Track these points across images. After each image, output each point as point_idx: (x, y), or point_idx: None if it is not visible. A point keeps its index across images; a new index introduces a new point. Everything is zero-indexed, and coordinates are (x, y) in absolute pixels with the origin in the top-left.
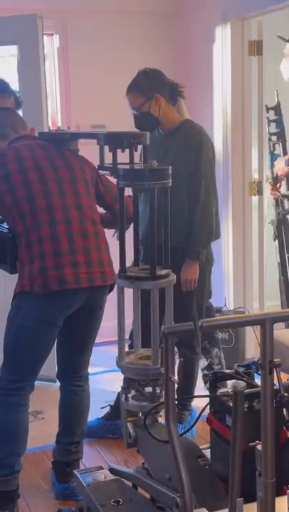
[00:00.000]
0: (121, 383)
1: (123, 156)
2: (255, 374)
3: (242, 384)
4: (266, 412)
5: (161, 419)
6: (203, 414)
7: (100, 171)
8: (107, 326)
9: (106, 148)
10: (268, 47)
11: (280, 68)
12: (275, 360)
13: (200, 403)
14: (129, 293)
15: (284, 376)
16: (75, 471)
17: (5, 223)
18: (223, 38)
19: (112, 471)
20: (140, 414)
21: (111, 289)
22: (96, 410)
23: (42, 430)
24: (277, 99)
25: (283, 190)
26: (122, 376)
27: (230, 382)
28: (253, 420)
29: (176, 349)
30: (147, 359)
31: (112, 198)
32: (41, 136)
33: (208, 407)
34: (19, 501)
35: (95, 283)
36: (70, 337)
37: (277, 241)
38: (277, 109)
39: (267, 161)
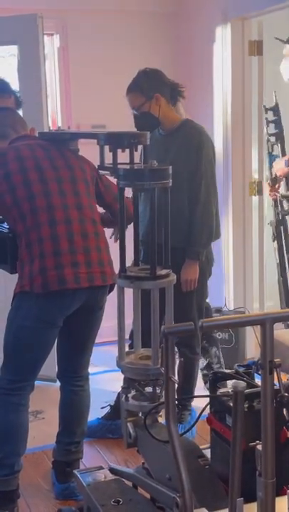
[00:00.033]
0: (121, 383)
1: (123, 156)
2: (255, 374)
3: (242, 384)
4: (266, 412)
5: (162, 419)
6: (203, 414)
7: (100, 171)
8: (107, 326)
9: (106, 148)
10: (268, 47)
11: (280, 69)
12: (275, 360)
13: (200, 403)
14: (129, 293)
15: (284, 376)
16: (75, 471)
17: (5, 223)
18: (223, 38)
19: (112, 471)
20: (140, 414)
21: (111, 289)
22: (96, 410)
23: (42, 430)
24: (275, 100)
25: (283, 190)
26: (122, 376)
27: (230, 382)
28: (253, 420)
29: (176, 349)
30: (147, 359)
31: (113, 198)
32: (41, 136)
33: (209, 407)
34: (19, 501)
35: (95, 283)
36: (70, 337)
37: (276, 242)
38: (275, 109)
39: (266, 162)
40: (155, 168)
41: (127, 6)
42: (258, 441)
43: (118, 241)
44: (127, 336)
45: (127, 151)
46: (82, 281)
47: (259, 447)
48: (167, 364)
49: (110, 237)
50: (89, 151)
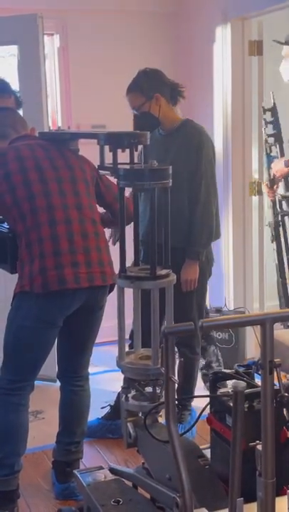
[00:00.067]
0: (121, 383)
1: (123, 156)
2: (255, 374)
3: (242, 384)
4: (266, 412)
5: (162, 419)
6: (203, 414)
7: (100, 171)
8: (107, 326)
9: (106, 148)
10: (268, 47)
11: (280, 70)
12: (275, 360)
13: (200, 403)
14: (129, 293)
15: (284, 376)
16: (75, 471)
17: (5, 223)
18: (223, 38)
19: (112, 471)
20: (140, 414)
21: (111, 289)
22: (96, 410)
23: (42, 430)
24: (273, 100)
25: (282, 191)
26: (122, 376)
27: (230, 382)
28: (253, 420)
29: (176, 349)
30: (147, 359)
31: (113, 198)
32: (42, 136)
33: (209, 407)
34: (19, 501)
35: (95, 283)
36: (71, 337)
37: (275, 243)
38: (273, 110)
39: (264, 163)
40: (155, 168)
41: (127, 6)
42: (258, 441)
43: (118, 241)
44: (127, 336)
45: (127, 151)
46: (82, 281)
47: (259, 447)
48: (167, 364)
49: (108, 240)
50: (89, 151)
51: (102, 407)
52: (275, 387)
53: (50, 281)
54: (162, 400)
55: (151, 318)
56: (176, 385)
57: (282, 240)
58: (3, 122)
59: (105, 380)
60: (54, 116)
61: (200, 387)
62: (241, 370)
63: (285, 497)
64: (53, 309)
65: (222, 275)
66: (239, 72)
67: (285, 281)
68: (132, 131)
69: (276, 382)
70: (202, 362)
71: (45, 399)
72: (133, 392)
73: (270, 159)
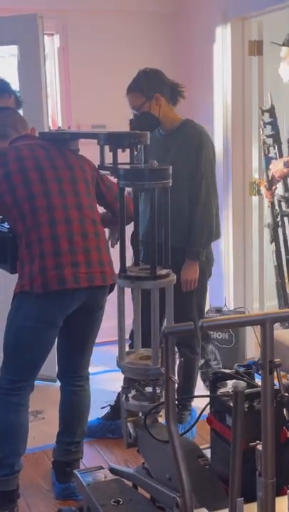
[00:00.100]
0: (121, 383)
1: (124, 156)
2: (255, 374)
3: (242, 384)
4: (266, 412)
5: (162, 419)
6: (203, 414)
7: (100, 171)
8: (107, 326)
9: (106, 148)
10: (268, 47)
11: (279, 71)
12: (275, 360)
13: (200, 403)
14: (129, 293)
15: (284, 376)
16: (75, 471)
17: (5, 223)
18: (223, 38)
19: (112, 470)
20: (140, 414)
21: (111, 289)
22: (96, 410)
23: (42, 430)
24: (271, 102)
25: (281, 192)
26: (122, 376)
27: (230, 382)
28: (253, 420)
29: (176, 349)
30: (147, 359)
31: (113, 198)
32: (42, 136)
33: (209, 407)
34: (19, 501)
35: (95, 283)
36: (71, 337)
37: (274, 244)
38: (271, 111)
39: (262, 164)
40: (155, 168)
41: (127, 6)
42: (258, 441)
43: (118, 241)
44: (127, 336)
45: (127, 150)
46: (82, 281)
47: (259, 447)
48: (167, 364)
49: (108, 240)
50: (89, 151)
51: (102, 407)
52: (275, 387)
53: (50, 281)
54: (162, 400)
55: (151, 318)
56: (176, 385)
57: (282, 240)
58: (3, 122)
59: (105, 380)
60: (54, 116)
61: (200, 387)
62: (241, 370)
63: (285, 497)
64: (52, 309)
65: (222, 275)
66: (239, 72)
67: (284, 282)
68: (132, 131)
69: (276, 382)
70: (201, 361)
71: (45, 399)
72: (133, 392)
73: (268, 160)
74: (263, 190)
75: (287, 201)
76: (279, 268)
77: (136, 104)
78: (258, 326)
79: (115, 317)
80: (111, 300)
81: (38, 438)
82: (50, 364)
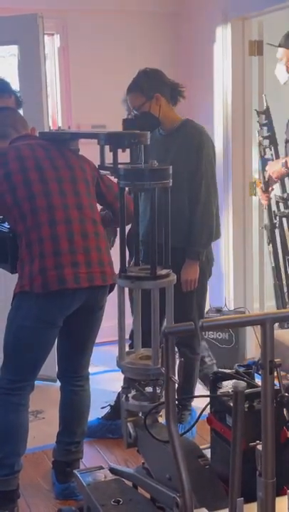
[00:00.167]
0: (121, 383)
1: (124, 156)
2: (255, 374)
3: (242, 384)
4: (266, 412)
5: (162, 419)
6: (203, 414)
7: (100, 171)
8: (107, 326)
9: (107, 148)
10: (268, 47)
11: (275, 73)
12: (275, 360)
13: (200, 403)
14: None
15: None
16: (75, 471)
17: (6, 223)
18: (223, 38)
19: (112, 470)
20: (140, 414)
21: (111, 289)
22: (96, 410)
23: (42, 430)
24: (266, 103)
25: (278, 192)
26: (122, 376)
27: (230, 382)
28: (254, 420)
29: (176, 349)
30: (148, 359)
31: (114, 197)
32: (42, 136)
33: (209, 407)
34: (19, 501)
35: (95, 283)
36: (71, 337)
37: (271, 245)
38: (267, 113)
39: (258, 166)
40: (155, 168)
41: (127, 6)
42: (258, 441)
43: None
44: (127, 336)
45: (127, 150)
46: (82, 281)
47: (259, 447)
48: (168, 364)
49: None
50: (89, 150)
51: (102, 407)
52: (275, 387)
53: (50, 281)
54: (162, 399)
55: (151, 318)
56: (176, 385)
57: (279, 241)
58: (3, 122)
59: (105, 380)
60: (54, 116)
61: (200, 387)
62: (241, 370)
63: (285, 497)
64: (53, 309)
65: (222, 275)
66: (239, 72)
67: (282, 283)
68: (132, 131)
69: (276, 382)
70: None
71: (45, 399)
72: (133, 392)
73: (264, 162)
74: (258, 192)
75: (285, 202)
76: (276, 269)
77: (136, 104)
78: (258, 326)
79: (115, 317)
80: (111, 300)
81: (38, 438)
82: (50, 364)
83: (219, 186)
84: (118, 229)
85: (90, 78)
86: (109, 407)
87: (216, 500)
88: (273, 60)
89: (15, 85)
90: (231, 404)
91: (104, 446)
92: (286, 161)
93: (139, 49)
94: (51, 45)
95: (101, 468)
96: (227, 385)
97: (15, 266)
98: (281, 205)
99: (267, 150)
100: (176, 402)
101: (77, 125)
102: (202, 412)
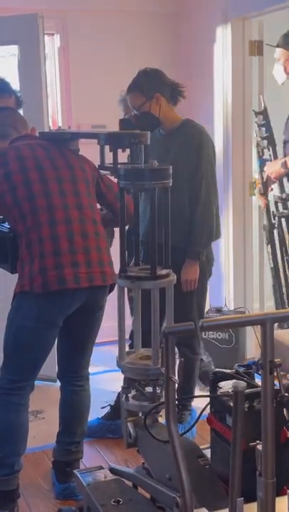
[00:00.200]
0: (121, 383)
1: (124, 156)
2: (255, 374)
3: (242, 384)
4: (266, 412)
5: (162, 419)
6: (203, 414)
7: (100, 171)
8: (107, 326)
9: (107, 148)
10: (268, 47)
11: (273, 73)
12: (275, 360)
13: (200, 403)
14: None
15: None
16: (75, 471)
17: (6, 223)
18: (223, 38)
19: (112, 470)
20: (140, 414)
21: (111, 289)
22: (96, 410)
23: (42, 430)
24: (263, 104)
25: (277, 193)
26: (122, 376)
27: (230, 382)
28: (254, 420)
29: (176, 349)
30: (148, 359)
31: (114, 197)
32: (42, 136)
33: (209, 407)
34: (19, 501)
35: (95, 283)
36: (71, 337)
37: (270, 246)
38: (264, 113)
39: (256, 167)
40: (155, 168)
41: (127, 6)
42: (258, 441)
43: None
44: (127, 336)
45: (127, 150)
46: (82, 281)
47: (259, 447)
48: (168, 364)
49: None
50: (89, 150)
51: (102, 407)
52: (275, 387)
53: (50, 281)
54: (162, 399)
55: (151, 318)
56: (176, 385)
57: (277, 242)
58: (3, 122)
59: (105, 380)
60: (54, 116)
61: (197, 386)
62: (241, 370)
63: (285, 497)
64: (52, 309)
65: (222, 275)
66: (239, 72)
67: (281, 283)
68: (132, 131)
69: (276, 382)
70: None
71: (45, 399)
72: (133, 392)
73: (262, 163)
74: (256, 194)
75: (283, 202)
76: (275, 270)
77: (136, 104)
78: (258, 326)
79: (115, 317)
80: (111, 300)
81: (38, 438)
82: (50, 364)
83: (219, 186)
84: (115, 230)
85: (90, 78)
86: (109, 407)
87: (216, 500)
88: (273, 60)
89: (15, 85)
90: (231, 404)
91: (104, 446)
92: (285, 162)
93: (139, 49)
94: (51, 45)
95: (101, 468)
96: (227, 385)
97: (15, 266)
98: (280, 205)
99: (265, 151)
100: (176, 402)
101: (77, 125)
102: (202, 412)
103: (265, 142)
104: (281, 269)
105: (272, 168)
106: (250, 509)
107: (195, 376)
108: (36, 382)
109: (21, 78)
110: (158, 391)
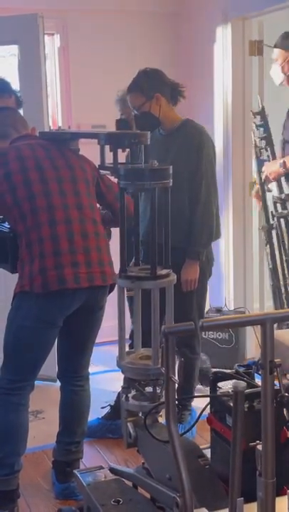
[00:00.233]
0: (121, 383)
1: (123, 156)
2: (255, 374)
3: (242, 384)
4: (266, 412)
5: (162, 419)
6: (203, 414)
7: (100, 171)
8: (107, 325)
9: (107, 148)
10: (268, 47)
11: (270, 74)
12: (275, 360)
13: (200, 403)
14: None
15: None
16: (75, 471)
17: (6, 223)
18: (223, 38)
19: (112, 470)
20: (140, 414)
21: (111, 290)
22: (96, 410)
23: (42, 430)
24: (261, 104)
25: (275, 193)
26: (122, 376)
27: (230, 382)
28: (254, 420)
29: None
30: (148, 359)
31: (114, 197)
32: (42, 136)
33: (209, 407)
34: (19, 501)
35: (95, 283)
36: (71, 337)
37: (268, 247)
38: (262, 113)
39: (254, 167)
40: (156, 168)
41: (127, 6)
42: (258, 441)
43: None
44: (127, 336)
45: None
46: (82, 281)
47: (259, 447)
48: (168, 364)
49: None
50: (89, 150)
51: (102, 407)
52: (275, 387)
53: (50, 281)
54: (162, 399)
55: (151, 318)
56: (176, 385)
57: (276, 242)
58: (3, 122)
59: (105, 380)
60: (54, 116)
61: (200, 387)
62: (241, 370)
63: (285, 497)
64: (53, 309)
65: (222, 275)
66: (239, 72)
67: (280, 284)
68: (132, 131)
69: (276, 382)
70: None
71: (45, 399)
72: (133, 392)
73: (260, 163)
74: (253, 194)
75: (282, 203)
76: (274, 271)
77: (136, 104)
78: (258, 326)
79: (115, 317)
80: (111, 300)
81: (38, 438)
82: (50, 364)
83: (219, 186)
84: (112, 230)
85: (90, 78)
86: (109, 407)
87: (216, 500)
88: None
89: (15, 85)
90: (231, 404)
91: (104, 446)
92: (284, 162)
93: (139, 49)
94: (51, 45)
95: (101, 468)
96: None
97: (15, 266)
98: (279, 205)
99: (263, 151)
100: (176, 402)
101: (78, 125)
102: (202, 412)
103: (263, 143)
104: (280, 270)
105: (271, 169)
106: (250, 509)
107: (195, 376)
108: (36, 382)
109: (21, 78)
110: (158, 391)
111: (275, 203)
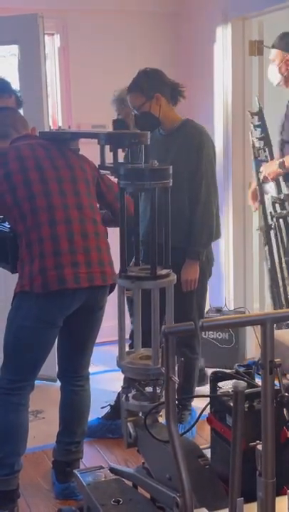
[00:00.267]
0: (121, 383)
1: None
2: (255, 374)
3: (242, 384)
4: (266, 412)
5: (162, 419)
6: (203, 414)
7: (101, 171)
8: (107, 325)
9: (107, 147)
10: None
11: (268, 74)
12: (275, 360)
13: (200, 403)
14: None
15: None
16: (75, 471)
17: (6, 223)
18: (223, 38)
19: (112, 470)
20: (140, 414)
21: (112, 290)
22: (96, 410)
23: (42, 430)
24: (259, 105)
25: (274, 193)
26: (122, 376)
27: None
28: (254, 420)
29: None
30: (148, 359)
31: (114, 197)
32: (42, 136)
33: (209, 407)
34: (19, 501)
35: (95, 283)
36: (71, 337)
37: (267, 247)
38: (260, 114)
39: (252, 168)
40: (156, 168)
41: (127, 6)
42: (258, 441)
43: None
44: (127, 336)
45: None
46: (82, 281)
47: (259, 447)
48: (168, 364)
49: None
50: (89, 150)
51: (102, 407)
52: (275, 387)
53: (50, 281)
54: (162, 399)
55: (151, 318)
56: (176, 385)
57: (275, 243)
58: (3, 122)
59: (105, 380)
60: (54, 116)
61: (200, 387)
62: (241, 370)
63: (285, 497)
64: (53, 309)
65: (222, 275)
66: (240, 72)
67: (278, 284)
68: (132, 131)
69: (276, 382)
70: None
71: (45, 399)
72: (133, 392)
73: (258, 164)
74: (249, 199)
75: (281, 203)
76: (273, 271)
77: (136, 104)
78: (258, 326)
79: (115, 317)
80: (111, 300)
81: (38, 438)
82: (50, 364)
83: (219, 186)
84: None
85: (90, 78)
86: (109, 407)
87: (216, 500)
88: None
89: (15, 85)
90: (231, 404)
91: (104, 446)
92: (283, 162)
93: (139, 49)
94: (51, 45)
95: (101, 468)
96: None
97: (15, 266)
98: (277, 206)
99: (260, 152)
100: (176, 402)
101: (78, 125)
102: (202, 412)
103: (262, 143)
104: (278, 270)
105: (270, 169)
106: (250, 509)
107: (195, 376)
108: (36, 382)
109: (21, 78)
110: (158, 391)
111: (273, 204)
